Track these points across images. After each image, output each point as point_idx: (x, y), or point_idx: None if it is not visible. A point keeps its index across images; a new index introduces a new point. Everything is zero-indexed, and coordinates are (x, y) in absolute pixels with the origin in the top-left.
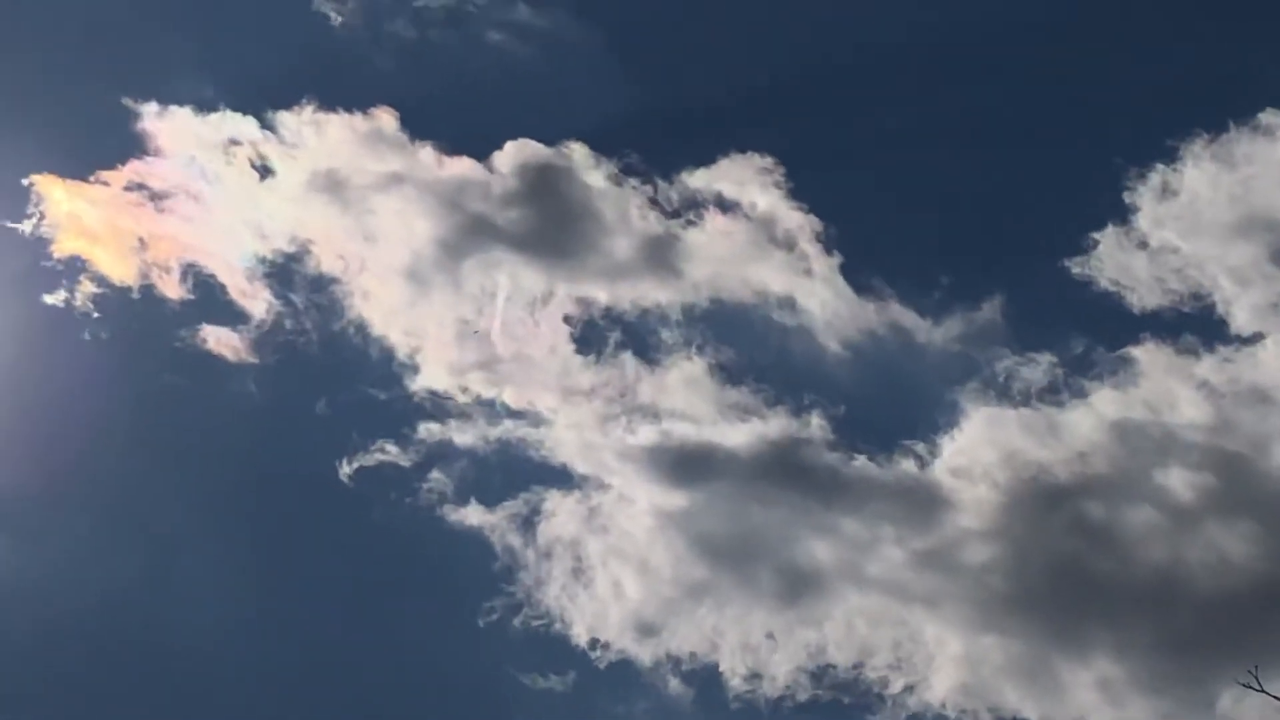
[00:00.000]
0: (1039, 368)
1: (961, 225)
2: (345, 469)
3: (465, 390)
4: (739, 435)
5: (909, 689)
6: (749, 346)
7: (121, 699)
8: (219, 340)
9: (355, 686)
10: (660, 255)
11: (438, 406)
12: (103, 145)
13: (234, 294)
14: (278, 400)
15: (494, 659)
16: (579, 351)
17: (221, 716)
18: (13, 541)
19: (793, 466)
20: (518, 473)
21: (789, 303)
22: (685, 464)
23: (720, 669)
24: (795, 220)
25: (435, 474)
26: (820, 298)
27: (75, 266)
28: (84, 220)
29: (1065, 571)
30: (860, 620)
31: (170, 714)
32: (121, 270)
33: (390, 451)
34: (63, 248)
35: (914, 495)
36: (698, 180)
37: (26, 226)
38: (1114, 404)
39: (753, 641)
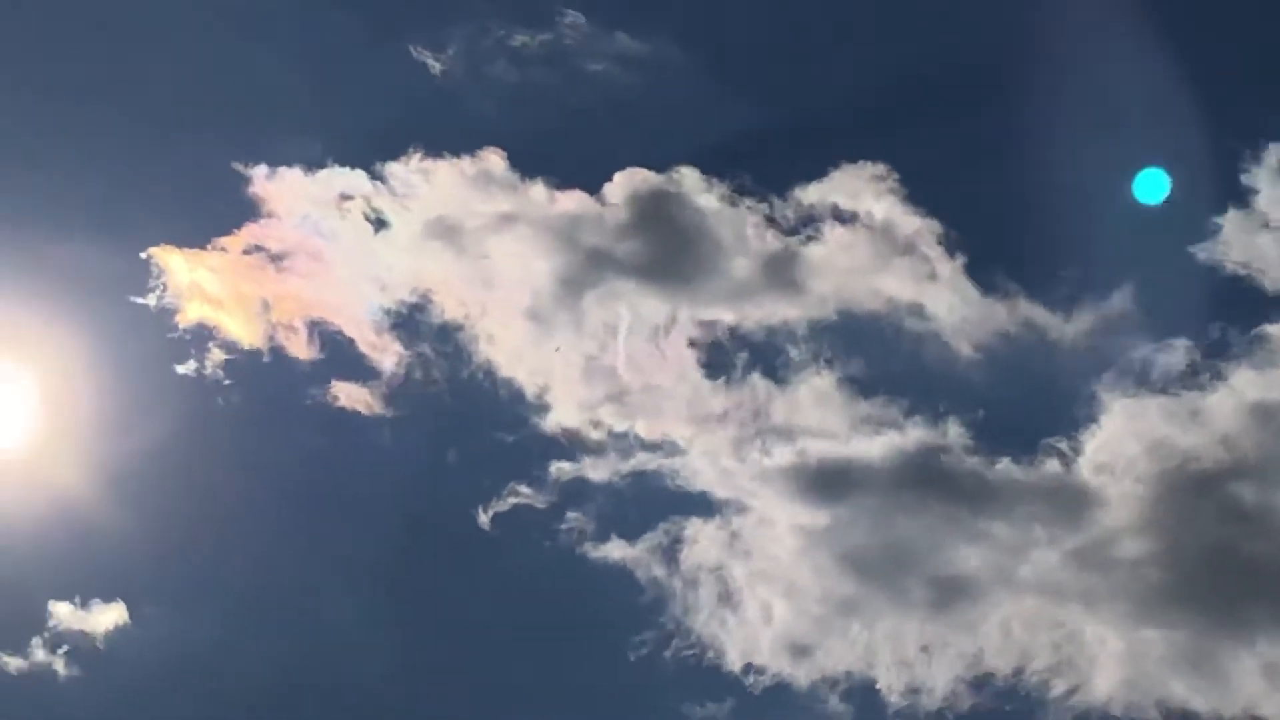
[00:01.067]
0: (1175, 354)
1: (1082, 217)
2: (484, 515)
3: (597, 425)
4: (876, 448)
5: (1072, 691)
6: (878, 357)
7: None
8: (350, 396)
9: None
10: (781, 272)
11: (570, 444)
12: (217, 212)
13: (362, 348)
14: (412, 451)
15: (650, 692)
16: (707, 376)
17: None
18: (166, 611)
19: (934, 475)
20: (656, 504)
21: (916, 309)
22: (824, 481)
23: (877, 685)
24: (914, 225)
25: (573, 512)
26: (947, 302)
27: (202, 334)
28: (206, 288)
29: (1221, 558)
30: (1016, 625)
31: None
32: (248, 334)
33: (526, 494)
34: (187, 317)
35: (1061, 494)
36: (812, 194)
37: (150, 300)
38: (1254, 384)
39: (908, 655)
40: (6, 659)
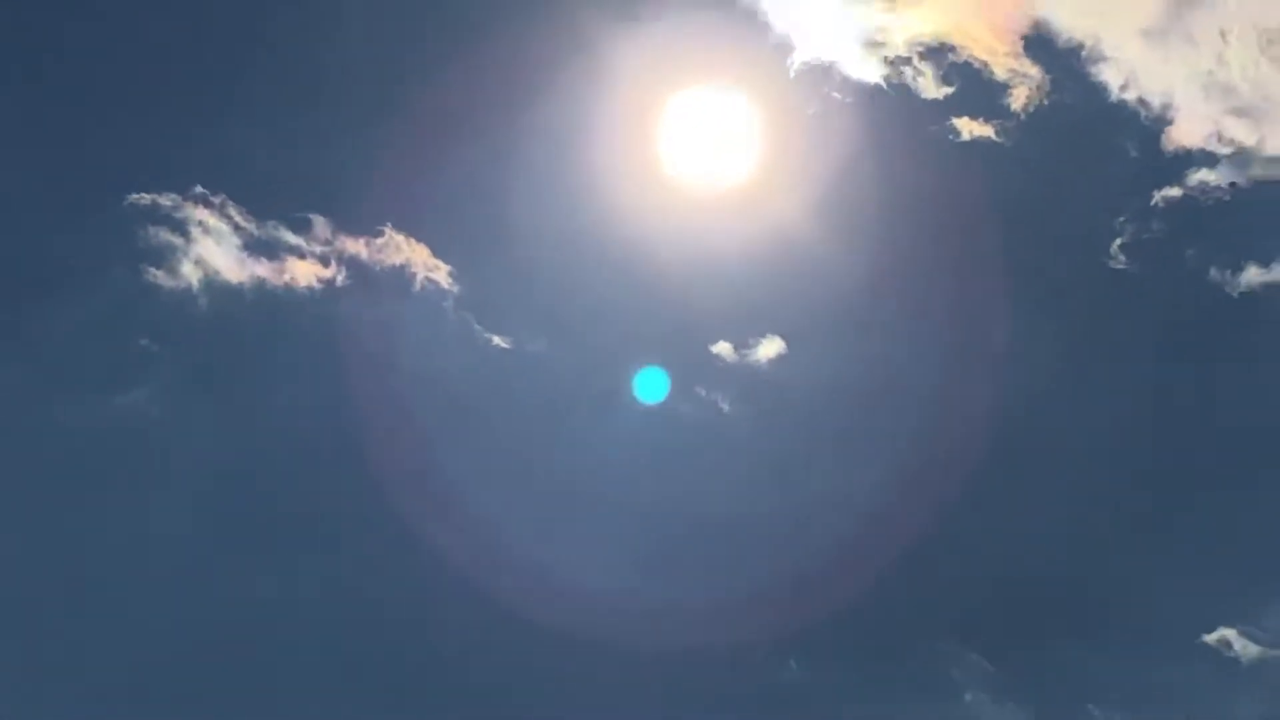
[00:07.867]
0: None
1: None
2: (1115, 243)
3: (1222, 140)
4: None
5: None
6: None
7: None
8: (971, 129)
9: None
10: None
11: (1194, 161)
12: None
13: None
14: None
15: None
16: None
17: None
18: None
19: None
20: None
21: None
22: None
23: None
24: None
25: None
26: None
27: (817, 74)
28: None
29: None
30: None
31: None
32: (865, 70)
33: (1154, 220)
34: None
35: None
36: None
37: None
38: None
39: None
40: None
